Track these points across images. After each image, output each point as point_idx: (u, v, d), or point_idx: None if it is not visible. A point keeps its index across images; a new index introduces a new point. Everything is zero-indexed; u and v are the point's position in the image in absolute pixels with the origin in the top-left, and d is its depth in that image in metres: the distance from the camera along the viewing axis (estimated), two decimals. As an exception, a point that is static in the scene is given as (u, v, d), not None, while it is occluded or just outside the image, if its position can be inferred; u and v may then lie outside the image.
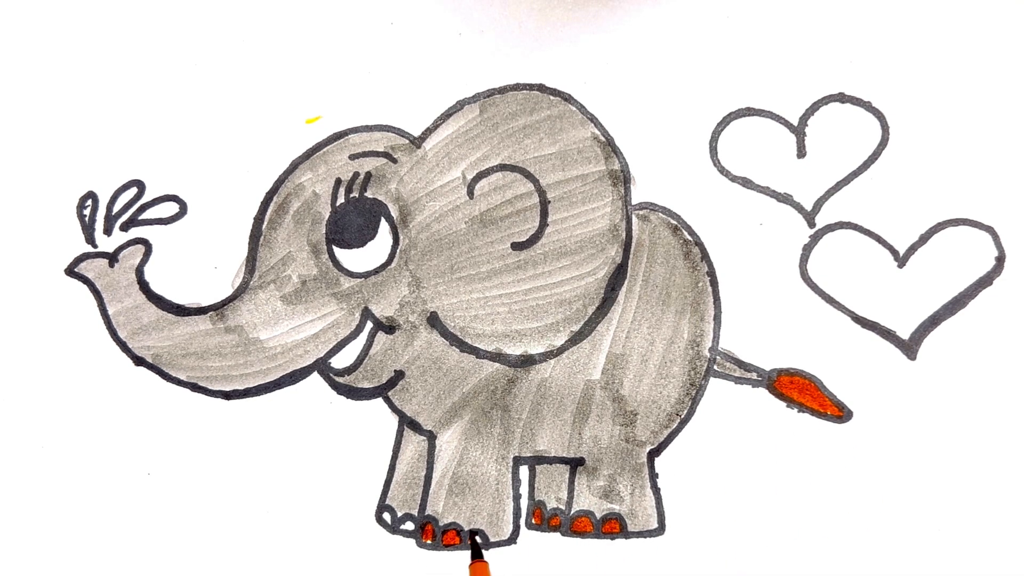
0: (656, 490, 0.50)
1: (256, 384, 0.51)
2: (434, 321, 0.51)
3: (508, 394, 0.51)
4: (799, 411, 0.50)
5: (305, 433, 0.51)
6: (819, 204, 0.52)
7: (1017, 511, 0.49)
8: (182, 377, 0.51)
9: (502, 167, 0.52)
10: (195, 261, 0.52)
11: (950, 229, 0.51)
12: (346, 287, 0.51)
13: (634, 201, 0.52)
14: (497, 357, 0.51)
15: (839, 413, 0.50)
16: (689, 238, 0.52)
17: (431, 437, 0.51)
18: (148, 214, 0.53)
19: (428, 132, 0.53)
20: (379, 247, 0.52)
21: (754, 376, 0.50)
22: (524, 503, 0.50)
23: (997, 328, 0.50)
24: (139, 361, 0.51)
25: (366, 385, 0.51)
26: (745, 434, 0.50)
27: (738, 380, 0.51)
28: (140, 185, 0.53)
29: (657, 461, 0.50)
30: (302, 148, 0.53)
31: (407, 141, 0.53)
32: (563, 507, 0.50)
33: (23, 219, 0.53)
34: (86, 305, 0.52)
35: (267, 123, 0.53)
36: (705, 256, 0.52)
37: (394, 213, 0.52)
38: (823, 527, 0.49)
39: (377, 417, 0.51)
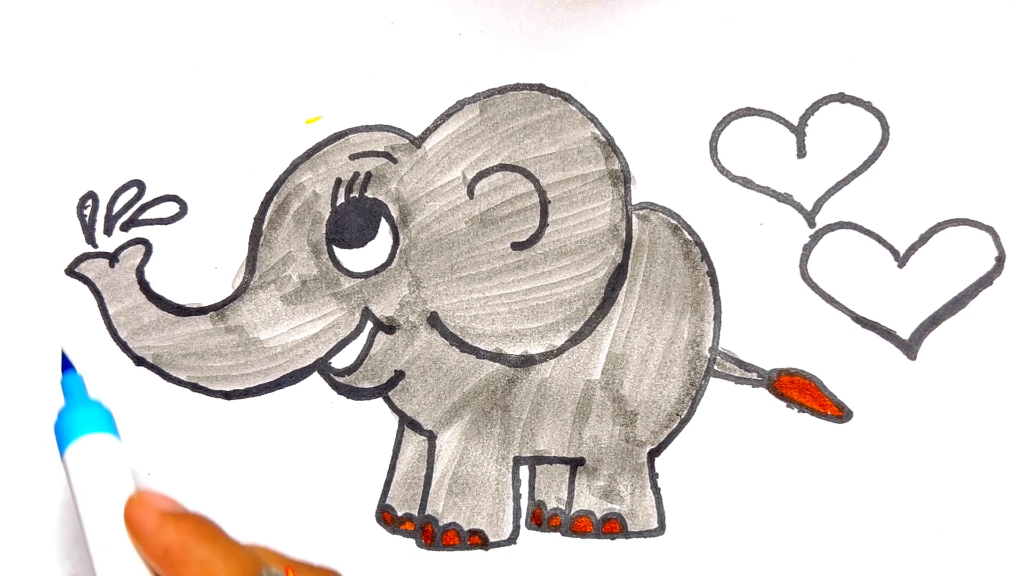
0: (656, 490, 0.50)
1: (256, 384, 0.51)
2: (434, 321, 0.51)
3: (508, 394, 0.51)
4: (799, 411, 0.50)
5: (305, 433, 0.50)
6: (819, 204, 0.52)
7: (1017, 511, 0.49)
8: (182, 377, 0.51)
9: (502, 167, 0.52)
10: (195, 261, 0.52)
11: (950, 229, 0.51)
12: (346, 287, 0.51)
13: (634, 201, 0.52)
14: (497, 357, 0.51)
15: (839, 413, 0.50)
16: (689, 238, 0.52)
17: (431, 437, 0.51)
18: (148, 214, 0.53)
19: (428, 132, 0.53)
20: (379, 247, 0.52)
21: (754, 376, 0.50)
22: (524, 503, 0.50)
23: (997, 328, 0.50)
24: (139, 361, 0.51)
25: (366, 385, 0.51)
26: (745, 434, 0.50)
27: (738, 380, 0.51)
28: (140, 185, 0.53)
29: (657, 461, 0.50)
30: (302, 148, 0.53)
31: (407, 141, 0.53)
32: (563, 507, 0.50)
33: (23, 219, 0.53)
34: (86, 305, 0.52)
35: (267, 123, 0.53)
36: (705, 256, 0.52)
37: (394, 213, 0.52)
38: (823, 527, 0.49)
39: (377, 417, 0.51)
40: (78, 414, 0.42)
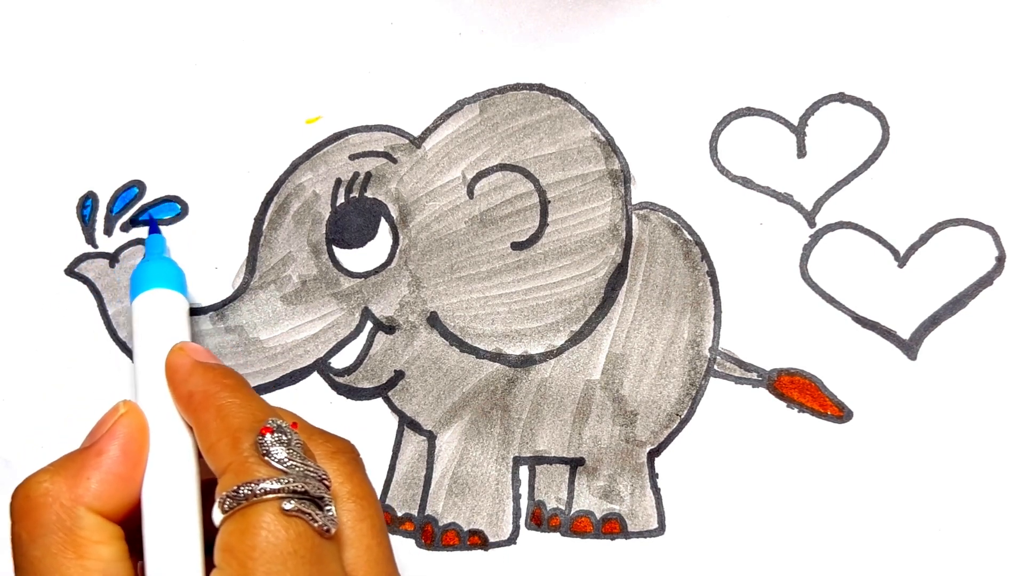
0: (656, 490, 0.50)
1: (256, 384, 0.51)
2: (434, 321, 0.51)
3: (508, 394, 0.51)
4: (799, 411, 0.50)
5: (305, 433, 0.50)
6: (819, 204, 0.52)
7: (1017, 511, 0.49)
8: (182, 377, 0.51)
9: (502, 167, 0.52)
10: (195, 261, 0.52)
11: (950, 229, 0.51)
12: (346, 287, 0.51)
13: (634, 201, 0.52)
14: (497, 357, 0.51)
15: (839, 413, 0.50)
16: (689, 238, 0.52)
17: (431, 437, 0.51)
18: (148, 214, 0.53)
19: (428, 132, 0.53)
20: (379, 247, 0.52)
21: (754, 376, 0.50)
22: (524, 503, 0.50)
23: (997, 328, 0.50)
24: (139, 361, 0.51)
25: (366, 385, 0.51)
26: (745, 434, 0.50)
27: (738, 380, 0.51)
28: (140, 185, 0.53)
29: (657, 461, 0.50)
30: (302, 148, 0.53)
31: (407, 141, 0.53)
32: (563, 507, 0.50)
33: (23, 219, 0.53)
34: (86, 305, 0.52)
35: (267, 123, 0.53)
36: (705, 256, 0.52)
37: (394, 213, 0.52)
38: (823, 527, 0.49)
39: (377, 417, 0.51)
40: (152, 268, 0.46)
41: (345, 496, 0.39)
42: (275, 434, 0.38)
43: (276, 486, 0.36)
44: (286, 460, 0.37)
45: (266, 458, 0.37)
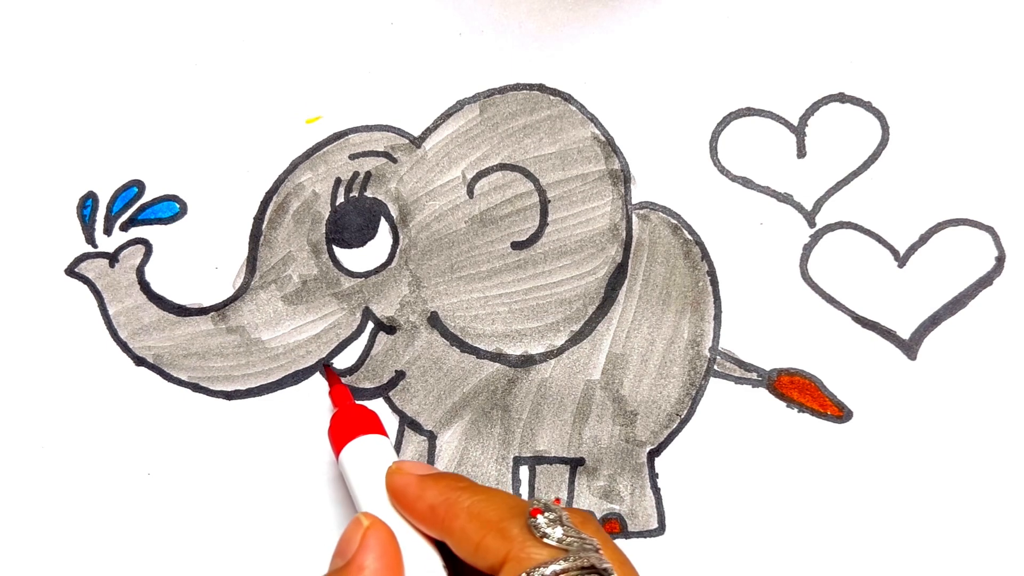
0: (656, 490, 0.50)
1: (258, 384, 0.51)
2: (434, 321, 0.51)
3: (508, 394, 0.51)
4: (799, 411, 0.50)
5: (306, 433, 0.50)
6: (819, 204, 0.52)
7: (1017, 511, 0.49)
8: (183, 377, 0.51)
9: (502, 167, 0.52)
10: (195, 261, 0.52)
11: (950, 229, 0.51)
12: (346, 287, 0.51)
13: (634, 201, 0.52)
14: (497, 357, 0.51)
15: (839, 413, 0.50)
16: (689, 238, 0.52)
17: (431, 437, 0.51)
18: (148, 214, 0.53)
19: (428, 132, 0.53)
20: (379, 247, 0.52)
21: (754, 376, 0.50)
22: (524, 503, 0.50)
23: (997, 328, 0.50)
24: (140, 361, 0.51)
25: (367, 385, 0.51)
26: (745, 434, 0.50)
27: (738, 380, 0.51)
28: (140, 185, 0.53)
29: (657, 461, 0.50)
30: (302, 148, 0.53)
31: (407, 141, 0.53)
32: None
33: (23, 219, 0.53)
34: (86, 305, 0.52)
35: (267, 123, 0.53)
36: (705, 256, 0.52)
37: (394, 213, 0.52)
38: (823, 527, 0.49)
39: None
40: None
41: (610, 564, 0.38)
42: (545, 514, 0.37)
43: (565, 565, 0.35)
44: (564, 538, 0.37)
45: (544, 540, 0.37)
